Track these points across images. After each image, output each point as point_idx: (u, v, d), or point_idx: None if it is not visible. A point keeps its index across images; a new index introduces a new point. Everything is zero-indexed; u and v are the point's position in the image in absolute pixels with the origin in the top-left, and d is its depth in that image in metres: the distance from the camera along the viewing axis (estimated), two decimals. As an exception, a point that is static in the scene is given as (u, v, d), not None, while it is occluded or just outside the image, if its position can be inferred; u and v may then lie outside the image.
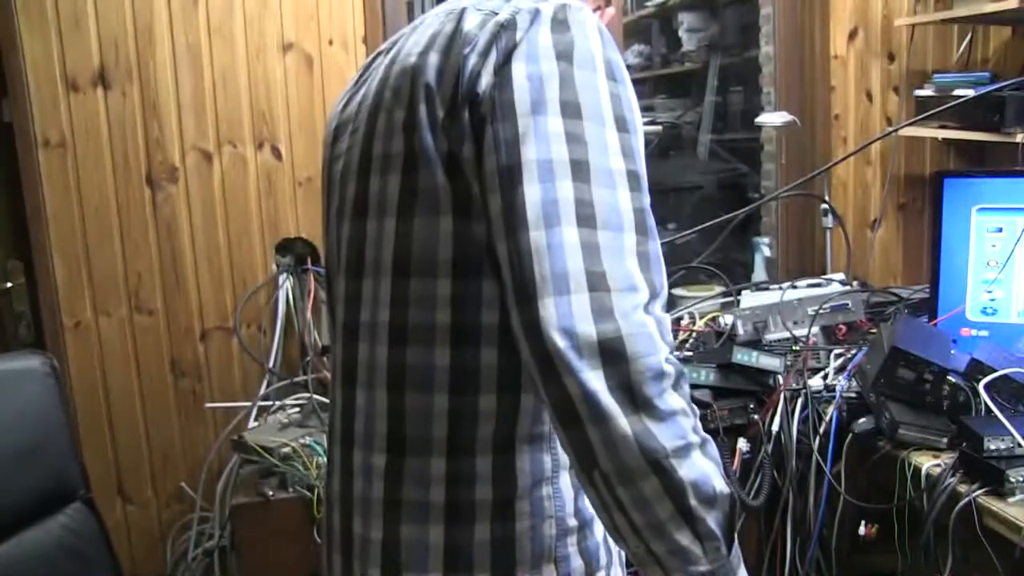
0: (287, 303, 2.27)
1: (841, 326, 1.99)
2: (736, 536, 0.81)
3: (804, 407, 1.75)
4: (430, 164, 0.83)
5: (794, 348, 1.92)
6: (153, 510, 2.32)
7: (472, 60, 0.82)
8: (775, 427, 1.75)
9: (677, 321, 2.20)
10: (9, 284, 2.24)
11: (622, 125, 0.82)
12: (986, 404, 1.53)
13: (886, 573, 1.68)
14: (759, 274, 2.62)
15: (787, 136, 2.56)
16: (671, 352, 0.78)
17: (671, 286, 2.41)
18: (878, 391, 1.64)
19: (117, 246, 2.22)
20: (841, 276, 2.35)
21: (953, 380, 1.59)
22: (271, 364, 2.26)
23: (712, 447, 0.80)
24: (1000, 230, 1.84)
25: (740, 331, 2.00)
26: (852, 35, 2.46)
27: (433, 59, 0.84)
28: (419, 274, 0.85)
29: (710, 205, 3.52)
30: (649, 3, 4.31)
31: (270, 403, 2.14)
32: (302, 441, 1.85)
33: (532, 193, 0.77)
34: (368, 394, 0.90)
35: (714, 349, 2.00)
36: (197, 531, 2.21)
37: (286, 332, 2.28)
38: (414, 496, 0.87)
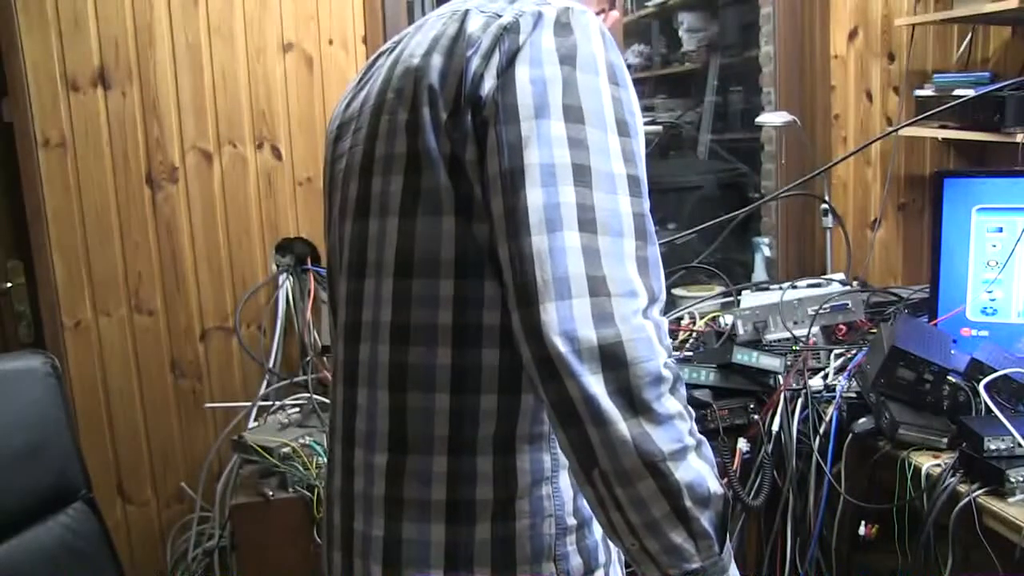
0: (287, 303, 2.27)
1: (841, 326, 1.99)
2: (728, 534, 0.82)
3: (804, 407, 1.75)
4: (433, 165, 0.83)
5: (794, 348, 1.93)
6: (153, 510, 2.32)
7: (475, 62, 0.82)
8: (775, 427, 1.75)
9: (677, 321, 2.20)
10: (9, 284, 2.24)
11: (624, 129, 0.83)
12: (986, 404, 1.53)
13: (886, 573, 1.68)
14: (759, 274, 2.62)
15: (787, 136, 2.56)
16: (669, 356, 0.80)
17: (671, 286, 2.41)
18: (878, 391, 1.64)
19: (117, 246, 2.21)
20: (841, 276, 2.35)
21: (953, 380, 1.59)
22: (271, 364, 2.26)
23: (707, 449, 0.81)
24: (1000, 230, 1.84)
25: (740, 331, 2.00)
26: (852, 35, 2.46)
27: (436, 61, 0.84)
28: (421, 274, 0.86)
29: (710, 205, 3.51)
30: (649, 3, 4.32)
31: (270, 403, 2.14)
32: (302, 441, 1.85)
33: (535, 197, 0.78)
34: (370, 393, 0.91)
35: (714, 349, 2.00)
36: (197, 531, 2.21)
37: (286, 332, 2.28)
38: (415, 494, 0.88)
